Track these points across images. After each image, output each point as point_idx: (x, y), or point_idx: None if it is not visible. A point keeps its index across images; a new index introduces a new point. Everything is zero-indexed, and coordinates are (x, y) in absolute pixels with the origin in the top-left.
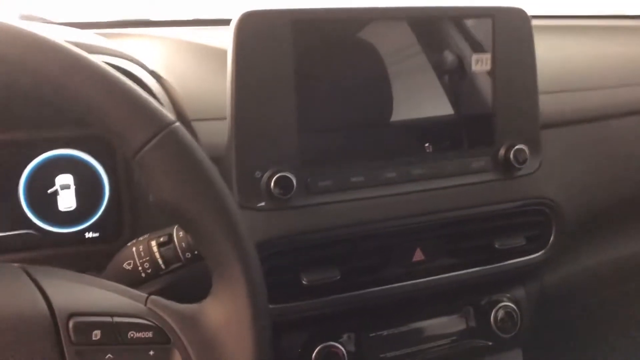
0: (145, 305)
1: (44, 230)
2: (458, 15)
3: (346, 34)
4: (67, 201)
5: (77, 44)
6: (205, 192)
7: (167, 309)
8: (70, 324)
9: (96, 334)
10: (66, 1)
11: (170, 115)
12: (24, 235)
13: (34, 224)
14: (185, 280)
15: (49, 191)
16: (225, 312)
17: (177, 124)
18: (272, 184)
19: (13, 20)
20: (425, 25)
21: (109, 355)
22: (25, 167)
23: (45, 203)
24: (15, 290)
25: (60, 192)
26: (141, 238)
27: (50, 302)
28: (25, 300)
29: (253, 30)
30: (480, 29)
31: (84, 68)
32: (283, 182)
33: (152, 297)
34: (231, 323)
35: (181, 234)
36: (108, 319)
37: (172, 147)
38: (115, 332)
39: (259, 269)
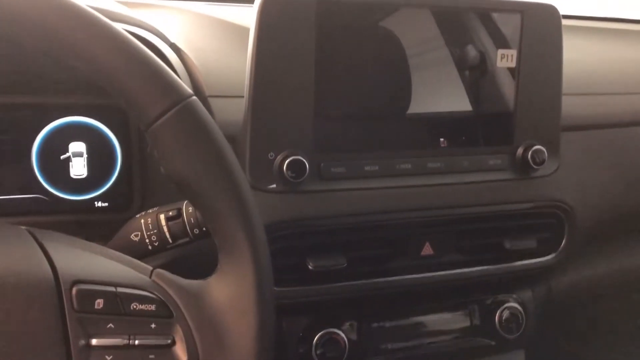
0: (150, 277)
1: (54, 196)
2: (487, 8)
3: (371, 20)
4: (78, 168)
5: (99, 10)
6: (217, 168)
7: (172, 283)
8: (74, 291)
9: (99, 303)
10: None
11: (187, 88)
12: (34, 200)
13: (45, 189)
14: (191, 256)
15: (62, 157)
16: (230, 290)
17: (194, 97)
18: (284, 166)
19: None
20: (451, 16)
21: (110, 325)
22: (39, 131)
23: (57, 169)
24: (20, 253)
25: (73, 159)
26: (150, 211)
27: (55, 267)
28: (30, 264)
29: (277, 10)
30: (508, 24)
31: (105, 34)
32: (296, 165)
33: (157, 270)
34: (235, 301)
35: (190, 209)
36: (112, 288)
37: (187, 121)
38: (118, 303)
39: (266, 249)
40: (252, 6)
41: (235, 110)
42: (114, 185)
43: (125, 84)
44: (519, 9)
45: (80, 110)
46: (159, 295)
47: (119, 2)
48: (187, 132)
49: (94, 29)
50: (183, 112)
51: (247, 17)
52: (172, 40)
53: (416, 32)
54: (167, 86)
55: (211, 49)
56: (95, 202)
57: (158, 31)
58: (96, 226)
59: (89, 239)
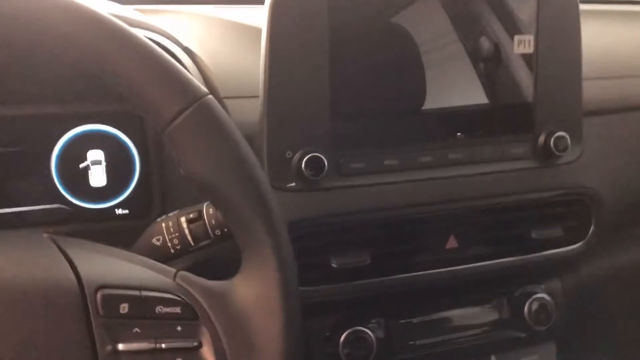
0: (174, 280)
1: (75, 205)
2: None
3: (383, 15)
4: (98, 177)
5: (116, 16)
6: (237, 168)
7: (196, 284)
8: (98, 296)
9: (124, 307)
10: None
11: (203, 87)
12: (55, 210)
13: (65, 199)
14: (214, 258)
15: (81, 166)
16: (254, 290)
17: (210, 96)
18: (303, 164)
19: None
20: (464, 6)
21: (136, 329)
22: (57, 141)
23: (76, 178)
24: (44, 260)
25: (92, 167)
26: (171, 214)
27: (79, 274)
28: (54, 271)
29: (288, 8)
30: (523, 10)
31: (120, 36)
32: (314, 163)
33: (181, 272)
34: (261, 301)
35: (211, 210)
36: (136, 292)
37: (204, 120)
38: (143, 306)
39: (290, 248)
40: (262, 7)
41: (250, 110)
42: (134, 192)
43: (140, 85)
44: None
45: (98, 118)
46: (183, 298)
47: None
48: (204, 131)
49: (108, 33)
50: (199, 111)
51: (258, 17)
52: (185, 44)
53: (429, 25)
54: (182, 86)
55: (223, 51)
56: (116, 210)
57: (171, 36)
58: (118, 233)
59: (111, 246)
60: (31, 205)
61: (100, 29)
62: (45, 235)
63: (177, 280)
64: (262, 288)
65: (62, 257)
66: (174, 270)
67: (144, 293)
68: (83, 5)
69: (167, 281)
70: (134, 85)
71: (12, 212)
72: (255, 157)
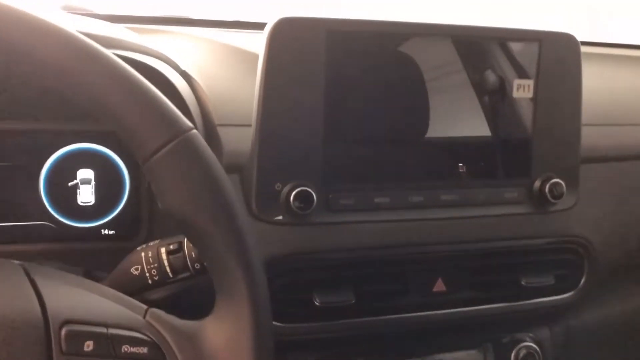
0: (144, 317)
1: (61, 223)
2: (504, 37)
3: (382, 48)
4: (86, 195)
5: (98, 38)
6: (214, 206)
7: (166, 324)
8: (63, 332)
9: (88, 345)
10: None
11: (186, 121)
12: (40, 227)
13: (52, 216)
14: (194, 290)
15: (70, 184)
16: (225, 332)
17: (193, 131)
18: (292, 197)
19: (30, 8)
20: (466, 45)
21: None
22: (47, 158)
23: (64, 196)
24: (10, 289)
25: (81, 186)
26: (151, 243)
27: (45, 307)
28: (19, 301)
29: (286, 37)
30: (525, 53)
31: (100, 63)
32: (303, 197)
33: (152, 309)
34: (231, 344)
35: None
36: (103, 329)
37: (184, 156)
38: (108, 345)
39: (265, 289)
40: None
41: (244, 139)
42: (121, 213)
43: (121, 117)
44: (537, 37)
45: (89, 137)
46: (152, 337)
47: (129, 28)
48: (183, 167)
49: (88, 60)
50: (181, 147)
51: (259, 44)
52: (183, 68)
53: (430, 61)
54: (164, 119)
55: (223, 77)
56: (102, 230)
57: (168, 58)
58: (102, 254)
59: (95, 266)
60: (17, 221)
61: (79, 55)
62: (16, 262)
63: (148, 318)
64: (234, 331)
65: (30, 287)
66: (144, 307)
67: (111, 330)
68: (64, 29)
69: (137, 318)
70: (115, 116)
71: None
72: (234, 196)
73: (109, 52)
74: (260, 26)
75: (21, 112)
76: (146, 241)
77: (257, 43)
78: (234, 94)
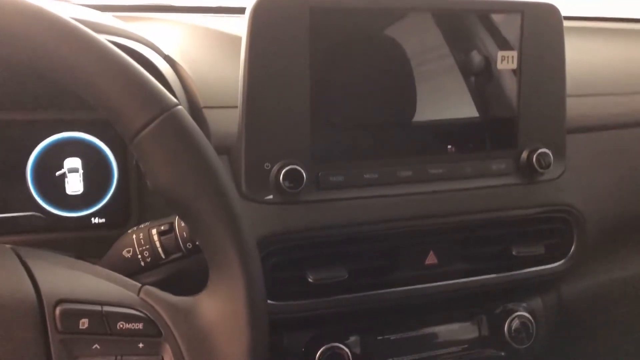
0: (138, 295)
1: (50, 214)
2: (485, 10)
3: (366, 25)
4: (74, 185)
5: (83, 22)
6: (204, 180)
7: (161, 300)
8: (57, 311)
9: (83, 323)
10: None
11: (171, 97)
12: (29, 217)
13: (41, 207)
14: (187, 272)
15: (57, 174)
16: (220, 306)
17: (179, 107)
18: (281, 176)
19: None
20: (449, 19)
21: (96, 345)
22: (33, 148)
23: (52, 186)
24: (2, 272)
25: (68, 175)
26: (142, 226)
27: (38, 287)
28: (12, 283)
29: (268, 17)
30: (508, 25)
31: (85, 44)
32: (293, 175)
33: (146, 287)
34: (226, 318)
35: (183, 223)
36: (97, 307)
37: (171, 132)
38: (103, 322)
39: (257, 263)
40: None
41: (231, 121)
42: (111, 200)
43: (107, 95)
44: (519, 9)
45: (75, 126)
46: (146, 314)
47: (116, 16)
48: (171, 143)
49: (74, 40)
50: (167, 123)
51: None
52: (166, 52)
53: (414, 36)
54: (150, 96)
55: (206, 60)
56: (92, 219)
57: (151, 43)
58: (93, 243)
59: (86, 255)
60: (5, 212)
61: (65, 36)
62: (7, 246)
63: (141, 295)
64: (228, 305)
65: (23, 269)
66: (138, 284)
67: (106, 308)
68: (46, 10)
69: (131, 296)
70: (101, 95)
71: None
72: (224, 170)
73: (89, 30)
74: (242, 10)
75: (4, 102)
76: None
77: (240, 26)
78: (219, 76)
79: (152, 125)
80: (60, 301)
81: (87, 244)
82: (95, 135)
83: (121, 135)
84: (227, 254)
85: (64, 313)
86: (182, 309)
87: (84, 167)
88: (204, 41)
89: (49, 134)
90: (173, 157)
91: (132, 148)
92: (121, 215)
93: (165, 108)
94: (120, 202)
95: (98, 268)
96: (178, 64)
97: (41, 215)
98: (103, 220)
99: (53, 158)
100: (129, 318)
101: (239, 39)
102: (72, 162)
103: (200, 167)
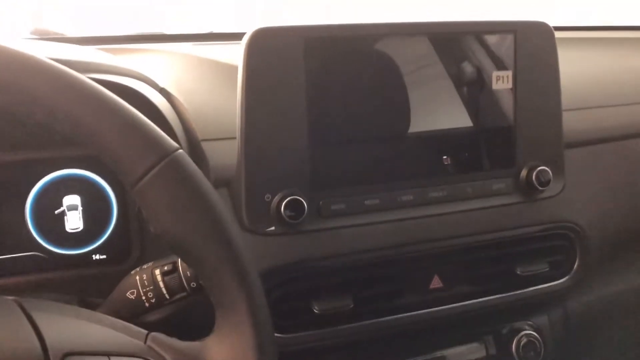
0: (145, 343)
1: (51, 252)
2: (478, 31)
3: (360, 50)
4: (74, 222)
5: (74, 63)
6: (207, 225)
7: (168, 347)
8: None
9: None
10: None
11: (171, 141)
12: (30, 258)
13: (41, 246)
14: (189, 312)
15: (56, 212)
16: (229, 350)
17: (179, 151)
18: (282, 207)
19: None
20: (444, 41)
21: None
22: (32, 187)
23: (52, 224)
24: (7, 326)
25: (68, 212)
26: (145, 266)
27: (44, 341)
28: (18, 338)
29: (265, 47)
30: (501, 45)
31: (80, 91)
32: (294, 206)
33: (153, 334)
34: None
35: None
36: (104, 358)
37: (173, 177)
38: None
39: (264, 303)
40: (239, 43)
41: (229, 152)
42: (111, 236)
43: (106, 144)
44: (512, 29)
45: (73, 163)
46: None
47: (106, 49)
48: (173, 188)
49: (69, 90)
50: (168, 168)
51: (236, 55)
52: (162, 85)
53: (409, 58)
54: (150, 142)
55: (202, 91)
56: (93, 255)
57: (145, 77)
58: (95, 279)
59: (88, 292)
60: (5, 254)
61: (57, 85)
62: (10, 298)
63: (148, 342)
64: (237, 347)
65: (27, 323)
66: (145, 332)
67: (113, 359)
68: (37, 59)
69: (138, 344)
70: (100, 144)
71: None
72: (226, 212)
73: (85, 78)
74: (233, 37)
75: (1, 145)
76: (138, 262)
77: (232, 54)
78: (215, 106)
79: (153, 171)
80: (67, 354)
81: (88, 280)
82: (93, 171)
83: (122, 181)
84: (232, 296)
85: None
86: (190, 355)
87: (83, 204)
88: (198, 71)
89: (46, 172)
90: (175, 203)
91: (134, 194)
92: (122, 251)
93: (166, 153)
94: (121, 237)
95: (103, 316)
96: (174, 97)
97: (42, 254)
98: (104, 256)
99: (51, 196)
100: None
101: (233, 67)
102: (71, 200)
103: (203, 212)
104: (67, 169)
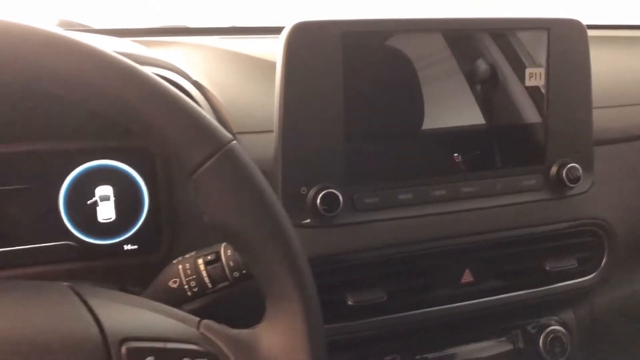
0: (198, 329)
1: (83, 242)
2: (513, 28)
3: (396, 45)
4: (106, 212)
5: (127, 55)
6: (262, 213)
7: (220, 334)
8: (123, 350)
9: None
10: (105, 7)
11: (226, 132)
12: (62, 247)
13: (74, 236)
14: (232, 299)
15: (89, 202)
16: (281, 338)
17: (235, 142)
18: (318, 200)
19: (65, 31)
20: (477, 37)
21: None
22: (65, 177)
23: (84, 214)
24: (66, 312)
25: (100, 203)
26: (187, 255)
27: (102, 326)
28: (77, 323)
29: (303, 42)
30: (534, 41)
31: (140, 82)
32: (329, 199)
33: (205, 321)
34: (288, 350)
35: (229, 252)
36: (161, 344)
37: (230, 167)
38: (168, 359)
39: (315, 295)
40: (266, 37)
41: (263, 146)
42: (142, 227)
43: (165, 132)
44: (545, 26)
45: (106, 154)
46: (209, 349)
47: (136, 41)
48: (230, 178)
49: (128, 77)
50: (226, 158)
51: (267, 49)
52: (195, 78)
53: (445, 53)
54: (207, 132)
55: (234, 84)
56: (125, 245)
57: (180, 70)
58: (127, 269)
59: (120, 282)
60: (39, 242)
61: (121, 75)
62: (65, 284)
63: (202, 329)
64: (289, 337)
65: (85, 308)
66: (197, 319)
67: (169, 345)
68: (102, 50)
69: (192, 331)
70: (158, 131)
71: (19, 250)
72: (279, 202)
73: (144, 69)
74: (258, 31)
75: (36, 133)
76: (170, 253)
77: (263, 48)
78: (247, 100)
79: (211, 160)
80: (125, 339)
81: (120, 271)
82: (126, 163)
83: (178, 170)
84: (286, 287)
85: (130, 352)
86: (243, 343)
87: (115, 195)
88: (229, 65)
89: (79, 162)
90: (232, 192)
91: (190, 183)
92: (153, 241)
93: (223, 144)
94: (152, 227)
95: (154, 303)
96: (207, 90)
97: (74, 244)
98: (136, 246)
99: (84, 187)
100: (192, 354)
101: (263, 61)
102: (104, 190)
103: (258, 200)
104: (100, 159)
